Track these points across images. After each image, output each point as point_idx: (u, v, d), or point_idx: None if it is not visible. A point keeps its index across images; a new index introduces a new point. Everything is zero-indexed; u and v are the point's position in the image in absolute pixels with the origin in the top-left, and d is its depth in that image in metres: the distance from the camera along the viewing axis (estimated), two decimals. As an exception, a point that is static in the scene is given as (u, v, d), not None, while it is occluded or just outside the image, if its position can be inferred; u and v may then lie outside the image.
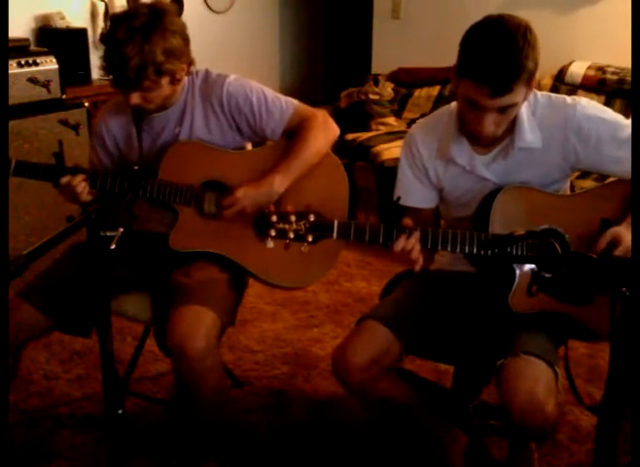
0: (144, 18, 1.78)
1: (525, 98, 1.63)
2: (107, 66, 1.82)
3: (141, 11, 1.80)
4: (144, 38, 1.76)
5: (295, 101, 2.04)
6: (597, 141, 1.69)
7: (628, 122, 1.69)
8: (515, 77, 1.53)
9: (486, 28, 1.57)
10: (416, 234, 1.62)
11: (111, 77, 1.84)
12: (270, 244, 1.57)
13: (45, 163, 1.87)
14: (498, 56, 1.52)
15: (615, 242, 1.65)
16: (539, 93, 1.74)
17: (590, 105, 1.73)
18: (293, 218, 1.57)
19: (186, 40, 1.87)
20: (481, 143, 1.74)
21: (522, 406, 1.57)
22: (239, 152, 2.04)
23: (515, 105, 1.60)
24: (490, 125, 1.62)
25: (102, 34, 1.85)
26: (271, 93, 2.01)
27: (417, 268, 1.66)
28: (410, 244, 1.62)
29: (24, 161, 1.87)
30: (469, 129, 1.71)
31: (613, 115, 1.72)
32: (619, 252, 1.64)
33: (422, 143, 1.83)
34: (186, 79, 1.96)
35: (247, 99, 1.96)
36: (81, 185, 1.84)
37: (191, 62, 1.93)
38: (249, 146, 2.08)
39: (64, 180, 1.83)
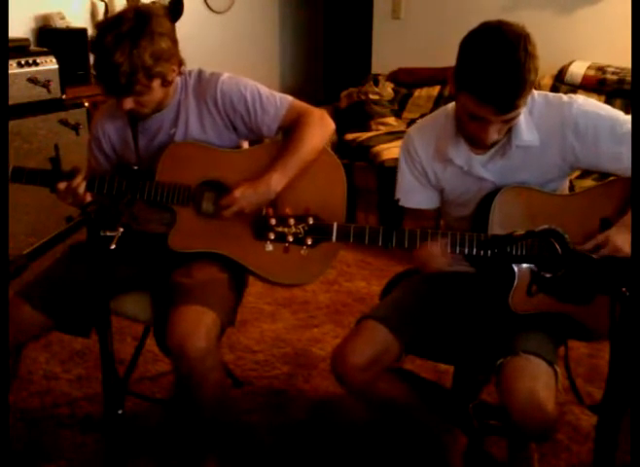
0: (130, 24, 1.77)
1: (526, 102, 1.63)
2: (98, 74, 1.83)
3: (127, 16, 1.79)
4: (132, 43, 1.75)
5: (289, 97, 2.03)
6: (595, 137, 1.68)
7: (627, 117, 1.68)
8: (519, 95, 1.53)
9: (486, 40, 1.54)
10: (444, 240, 1.62)
11: (102, 85, 1.84)
12: (269, 247, 1.57)
13: (42, 169, 1.87)
14: (502, 77, 1.50)
15: (602, 244, 1.66)
16: (535, 93, 1.73)
17: (587, 102, 1.72)
18: (292, 221, 1.57)
19: (174, 41, 1.87)
20: (482, 147, 1.74)
21: (522, 404, 1.57)
22: (236, 151, 2.04)
23: (518, 115, 1.61)
24: (494, 134, 1.62)
25: (91, 43, 1.85)
26: (266, 90, 2.01)
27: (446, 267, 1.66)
28: (440, 247, 1.62)
29: (21, 167, 1.88)
30: (470, 136, 1.70)
31: (610, 111, 1.72)
32: (605, 252, 1.65)
33: (420, 145, 1.82)
34: (178, 79, 1.95)
35: (241, 97, 1.96)
36: (82, 186, 1.84)
37: (181, 63, 1.92)
38: (245, 145, 2.08)
39: (62, 186, 1.84)
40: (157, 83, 1.85)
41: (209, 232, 1.97)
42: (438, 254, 1.63)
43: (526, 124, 1.70)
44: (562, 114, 1.70)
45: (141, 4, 1.90)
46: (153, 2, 3.81)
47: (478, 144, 1.72)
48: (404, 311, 1.82)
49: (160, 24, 1.82)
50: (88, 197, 1.86)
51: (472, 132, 1.67)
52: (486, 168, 1.76)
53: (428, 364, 2.32)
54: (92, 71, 1.88)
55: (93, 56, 1.83)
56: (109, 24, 1.80)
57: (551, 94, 1.77)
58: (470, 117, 1.61)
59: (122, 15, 1.82)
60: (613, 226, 1.69)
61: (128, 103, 1.85)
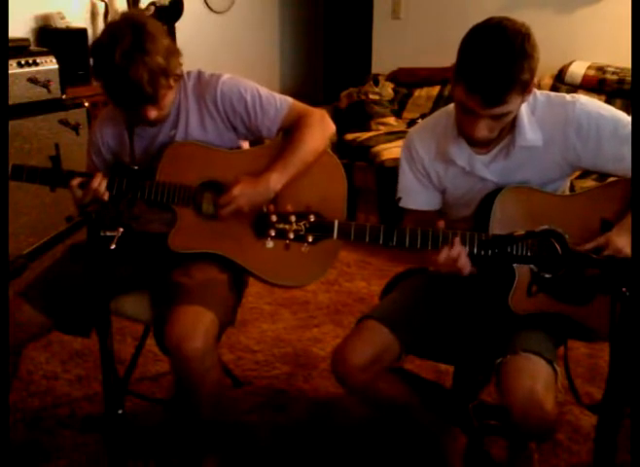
0: (129, 37, 1.76)
1: (521, 104, 1.63)
2: (117, 93, 1.82)
3: (122, 30, 1.77)
4: (141, 53, 1.75)
5: (290, 99, 2.03)
6: (597, 138, 1.69)
7: (629, 118, 1.68)
8: (507, 90, 1.53)
9: (486, 34, 1.55)
10: (458, 240, 1.61)
11: (124, 102, 1.84)
12: (270, 244, 1.57)
13: (42, 167, 1.87)
14: (492, 68, 1.51)
15: (602, 246, 1.66)
16: (538, 92, 1.74)
17: (590, 102, 1.72)
18: (293, 218, 1.56)
19: (169, 36, 1.88)
20: (476, 145, 1.74)
21: (522, 403, 1.57)
22: (237, 151, 2.04)
23: (508, 113, 1.60)
24: (483, 129, 1.62)
25: (97, 67, 1.83)
26: (266, 92, 2.01)
27: (466, 272, 1.64)
28: (456, 252, 1.61)
29: (21, 165, 1.87)
30: (463, 132, 1.71)
31: (613, 112, 1.72)
32: (605, 253, 1.65)
33: (421, 146, 1.82)
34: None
35: (241, 98, 1.96)
36: (103, 184, 1.85)
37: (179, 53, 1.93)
38: (246, 145, 2.08)
39: (76, 182, 1.84)
40: (172, 80, 1.86)
41: (209, 232, 1.97)
42: (455, 257, 1.61)
43: (529, 123, 1.70)
44: (565, 113, 1.70)
45: (126, 12, 1.90)
46: (151, 2, 3.82)
47: (468, 140, 1.72)
48: (404, 311, 1.82)
49: (153, 24, 1.83)
50: (107, 196, 1.86)
51: (463, 127, 1.67)
52: (489, 169, 1.75)
53: (428, 364, 2.32)
54: (106, 93, 1.85)
55: (103, 78, 1.81)
56: (109, 44, 1.77)
57: (554, 94, 1.77)
58: (461, 109, 1.62)
59: (115, 30, 1.79)
60: (613, 227, 1.68)
61: (153, 113, 1.85)
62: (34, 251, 1.29)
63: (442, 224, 1.65)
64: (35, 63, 3.10)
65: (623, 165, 1.67)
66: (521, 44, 1.52)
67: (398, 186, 1.90)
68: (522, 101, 1.62)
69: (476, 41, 1.56)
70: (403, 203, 1.86)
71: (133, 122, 1.95)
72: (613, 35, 3.68)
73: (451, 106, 1.77)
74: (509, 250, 1.65)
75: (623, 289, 1.23)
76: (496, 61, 1.51)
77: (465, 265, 1.62)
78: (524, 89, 1.56)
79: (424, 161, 1.82)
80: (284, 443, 2.20)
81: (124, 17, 1.86)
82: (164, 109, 1.90)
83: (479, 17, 1.60)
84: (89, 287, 1.47)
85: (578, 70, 3.76)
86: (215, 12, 4.60)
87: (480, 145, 1.73)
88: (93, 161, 2.07)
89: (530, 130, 1.70)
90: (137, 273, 2.02)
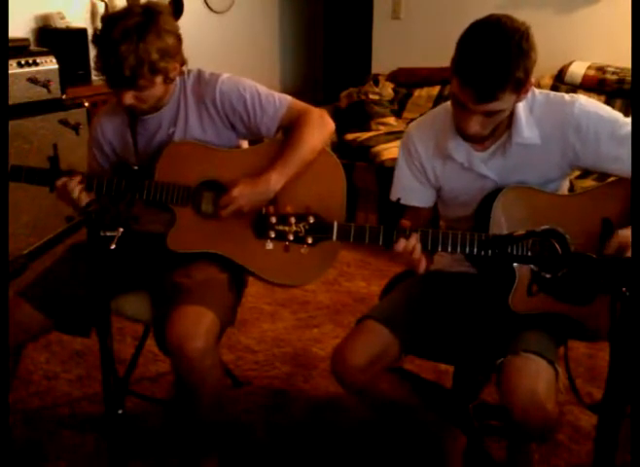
0: (138, 18, 1.79)
1: (516, 102, 1.63)
2: (102, 66, 1.83)
3: (135, 11, 1.81)
4: (139, 37, 1.76)
5: (289, 97, 2.03)
6: (596, 139, 1.69)
7: (627, 119, 1.68)
8: (500, 86, 1.53)
9: (484, 30, 1.56)
10: (416, 235, 1.62)
11: (105, 77, 1.84)
12: (270, 246, 1.57)
13: (40, 168, 1.88)
14: (486, 64, 1.51)
15: (623, 247, 1.65)
16: (537, 91, 1.74)
17: (589, 103, 1.72)
18: (292, 220, 1.56)
19: (179, 40, 1.88)
20: (469, 141, 1.74)
21: (523, 403, 1.57)
22: (236, 150, 2.04)
23: (501, 111, 1.60)
24: (475, 125, 1.62)
25: (95, 35, 1.85)
26: (265, 90, 2.01)
27: (421, 269, 1.65)
28: (411, 245, 1.62)
29: (20, 165, 1.88)
30: (457, 126, 1.71)
31: (611, 112, 1.72)
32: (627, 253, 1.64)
33: (420, 141, 1.83)
34: (177, 79, 1.96)
35: (240, 97, 1.96)
36: (77, 189, 1.84)
37: (183, 62, 1.93)
38: (245, 144, 2.08)
39: (60, 182, 1.84)
40: (159, 79, 1.85)
41: (209, 232, 1.97)
42: (412, 250, 1.63)
43: (527, 121, 1.70)
44: (564, 113, 1.70)
45: (148, 1, 1.90)
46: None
47: (462, 135, 1.72)
48: (403, 311, 1.82)
49: (167, 22, 1.84)
50: (84, 200, 1.85)
51: (456, 121, 1.68)
52: (487, 165, 1.76)
53: (428, 364, 2.31)
54: (94, 63, 1.87)
55: (97, 48, 1.83)
56: (116, 17, 1.81)
57: (553, 93, 1.77)
58: (455, 102, 1.63)
59: (129, 9, 1.83)
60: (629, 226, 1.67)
61: (128, 98, 1.85)
62: (34, 251, 1.29)
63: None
64: (35, 63, 3.10)
65: (622, 166, 1.68)
66: (518, 41, 1.52)
67: (393, 181, 1.90)
68: (517, 100, 1.62)
69: (473, 36, 1.57)
70: (402, 201, 1.86)
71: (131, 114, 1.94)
72: (612, 35, 3.68)
73: (450, 102, 1.77)
74: (509, 250, 1.65)
75: (623, 289, 1.23)
76: (491, 57, 1.51)
77: (419, 259, 1.63)
78: (518, 87, 1.56)
79: (422, 157, 1.82)
80: (283, 443, 2.20)
81: (147, 3, 1.87)
82: (145, 102, 1.89)
83: (478, 17, 1.60)
84: (90, 287, 1.47)
85: (578, 70, 3.77)
86: (215, 12, 4.60)
87: (474, 141, 1.73)
88: (95, 157, 2.07)
89: (527, 128, 1.70)
90: (137, 273, 2.02)
